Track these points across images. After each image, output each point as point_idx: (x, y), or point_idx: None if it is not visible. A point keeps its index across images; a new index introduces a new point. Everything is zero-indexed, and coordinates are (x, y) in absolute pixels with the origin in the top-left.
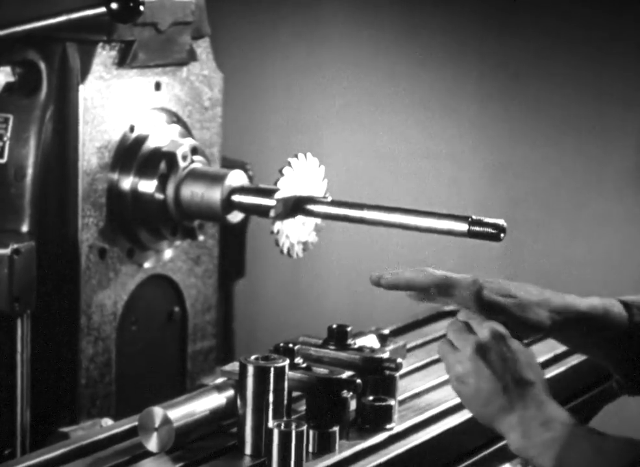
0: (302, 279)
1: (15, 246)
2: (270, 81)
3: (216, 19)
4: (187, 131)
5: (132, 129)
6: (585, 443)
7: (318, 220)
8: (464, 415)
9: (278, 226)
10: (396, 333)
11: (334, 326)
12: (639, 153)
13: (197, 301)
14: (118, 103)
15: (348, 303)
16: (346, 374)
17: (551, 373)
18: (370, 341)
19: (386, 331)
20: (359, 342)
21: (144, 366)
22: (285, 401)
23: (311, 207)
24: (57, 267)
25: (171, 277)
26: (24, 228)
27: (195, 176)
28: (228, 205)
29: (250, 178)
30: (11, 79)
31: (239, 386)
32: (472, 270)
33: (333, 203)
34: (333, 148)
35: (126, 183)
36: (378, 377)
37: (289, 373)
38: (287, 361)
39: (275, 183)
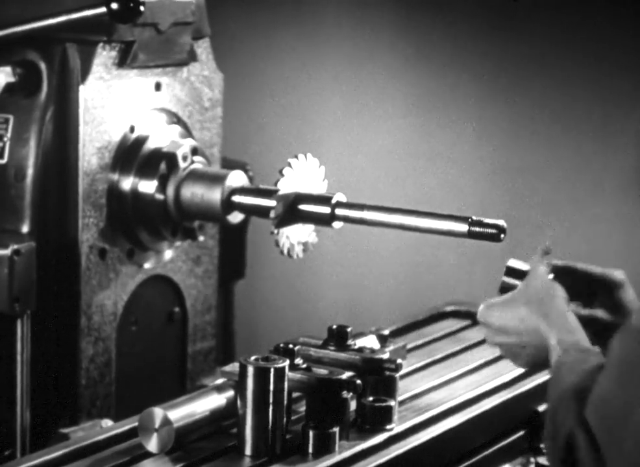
0: (302, 279)
1: (16, 246)
2: (270, 81)
3: (216, 19)
4: (188, 132)
5: (132, 129)
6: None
7: None
8: (464, 415)
9: None
10: (396, 333)
11: (334, 327)
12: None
13: (197, 302)
14: (118, 103)
15: (348, 304)
16: (346, 375)
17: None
18: (370, 342)
19: (386, 332)
20: (359, 342)
21: (144, 367)
22: (285, 402)
23: None
24: (57, 268)
25: (171, 277)
26: (25, 229)
27: (195, 176)
28: (228, 205)
29: (251, 179)
30: (11, 79)
31: (239, 387)
32: (472, 270)
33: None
34: (333, 149)
35: (127, 183)
36: (378, 377)
37: (289, 374)
38: (287, 362)
39: (275, 184)
